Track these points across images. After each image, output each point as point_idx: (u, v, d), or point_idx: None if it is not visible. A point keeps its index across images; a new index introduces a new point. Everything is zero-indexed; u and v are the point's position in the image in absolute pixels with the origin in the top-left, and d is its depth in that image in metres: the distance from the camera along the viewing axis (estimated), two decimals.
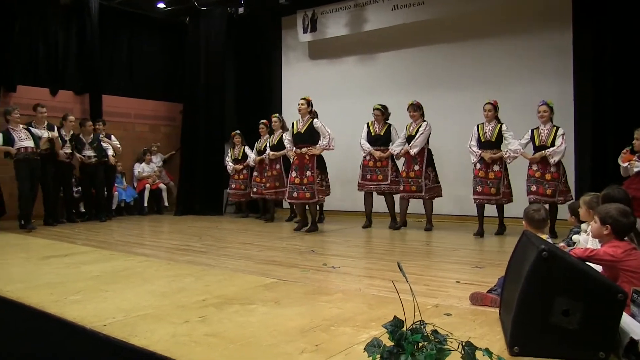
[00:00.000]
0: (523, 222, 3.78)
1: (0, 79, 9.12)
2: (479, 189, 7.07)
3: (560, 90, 8.20)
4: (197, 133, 10.82)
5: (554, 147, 6.63)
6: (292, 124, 7.97)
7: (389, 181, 8.00)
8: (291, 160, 8.09)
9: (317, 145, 7.65)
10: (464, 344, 2.05)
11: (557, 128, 6.76)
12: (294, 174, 7.70)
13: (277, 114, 9.38)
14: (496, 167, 7.03)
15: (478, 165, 7.14)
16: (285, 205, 9.79)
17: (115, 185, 10.29)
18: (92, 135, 9.45)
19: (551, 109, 6.81)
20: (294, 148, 7.81)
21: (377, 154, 8.00)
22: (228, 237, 7.19)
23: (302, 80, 11.27)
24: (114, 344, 2.77)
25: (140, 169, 10.99)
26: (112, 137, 9.90)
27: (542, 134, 6.82)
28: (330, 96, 10.65)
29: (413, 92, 8.94)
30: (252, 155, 9.71)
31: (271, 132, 9.34)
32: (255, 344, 2.69)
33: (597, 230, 3.04)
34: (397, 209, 8.17)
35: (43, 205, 8.76)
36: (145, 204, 10.95)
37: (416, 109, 7.75)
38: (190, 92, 11.10)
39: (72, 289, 4.02)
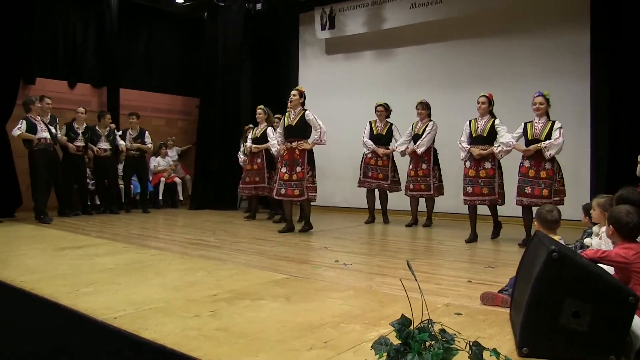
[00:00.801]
0: (535, 222, 3.76)
1: (19, 72, 9.18)
2: (470, 189, 6.57)
3: (577, 90, 8.16)
4: (213, 128, 10.86)
5: (551, 140, 6.00)
6: (284, 116, 7.51)
7: (389, 181, 8.17)
8: (279, 155, 7.57)
9: (309, 140, 7.27)
10: (471, 343, 2.05)
11: (554, 122, 6.15)
12: (283, 170, 7.21)
13: (262, 106, 8.88)
14: (487, 165, 6.53)
15: (468, 164, 6.65)
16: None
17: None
18: (108, 128, 9.54)
19: (547, 102, 6.19)
20: (285, 142, 7.36)
21: (381, 150, 8.14)
22: (241, 232, 7.22)
23: (318, 76, 11.29)
24: (124, 337, 2.79)
25: (156, 162, 11.05)
26: (146, 133, 10.10)
27: (535, 127, 6.19)
28: (346, 92, 10.69)
29: (429, 90, 8.94)
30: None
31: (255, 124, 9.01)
32: (265, 339, 2.71)
33: (609, 232, 3.02)
34: (396, 207, 8.62)
35: (56, 197, 8.85)
36: (160, 198, 11.02)
37: (425, 108, 7.80)
38: (207, 86, 11.14)
39: (85, 280, 4.06)
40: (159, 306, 3.32)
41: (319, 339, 2.69)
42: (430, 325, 2.04)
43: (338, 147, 10.67)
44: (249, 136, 8.84)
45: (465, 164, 6.69)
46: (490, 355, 2.01)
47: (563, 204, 5.96)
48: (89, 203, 9.79)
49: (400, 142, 7.94)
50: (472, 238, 6.52)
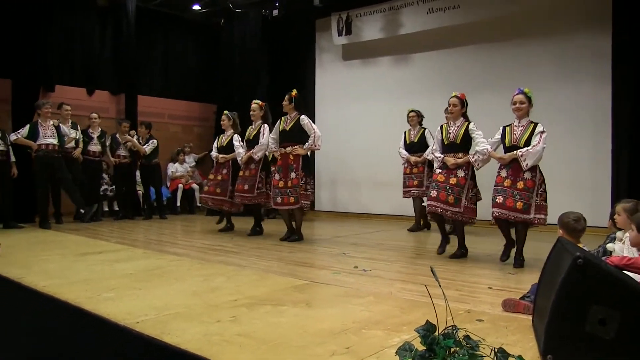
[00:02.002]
0: (559, 230, 3.71)
1: (39, 80, 9.31)
2: (434, 193, 5.63)
3: (597, 95, 8.11)
4: None
5: (528, 147, 5.12)
6: (279, 121, 7.19)
7: (423, 187, 7.96)
8: (274, 159, 7.43)
9: (305, 145, 6.89)
10: (496, 350, 2.04)
11: (536, 124, 5.24)
12: (277, 177, 6.94)
13: (227, 111, 8.21)
14: (460, 173, 5.61)
15: (439, 170, 5.79)
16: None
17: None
18: (136, 137, 9.67)
19: (529, 100, 5.32)
20: (278, 148, 7.10)
21: (413, 158, 8.02)
22: (259, 238, 7.22)
23: (335, 81, 11.32)
24: (146, 341, 2.80)
25: (174, 168, 11.13)
26: (152, 141, 10.03)
27: (514, 132, 5.30)
28: (363, 98, 10.70)
29: (447, 95, 8.87)
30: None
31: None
32: (286, 345, 2.71)
33: (635, 239, 2.99)
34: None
35: (71, 201, 8.92)
36: (178, 204, 11.08)
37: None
38: (224, 93, 11.21)
39: (106, 286, 4.09)
40: (180, 311, 3.33)
41: (341, 345, 2.68)
42: (455, 332, 2.03)
43: (354, 154, 10.70)
44: (214, 145, 8.22)
45: (435, 170, 5.97)
46: None
47: (545, 224, 5.21)
48: (106, 209, 9.91)
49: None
50: (443, 247, 5.99)
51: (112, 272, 4.74)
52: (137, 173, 10.13)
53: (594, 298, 2.35)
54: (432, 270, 2.26)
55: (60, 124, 8.52)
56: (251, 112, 7.72)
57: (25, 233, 7.59)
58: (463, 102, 5.85)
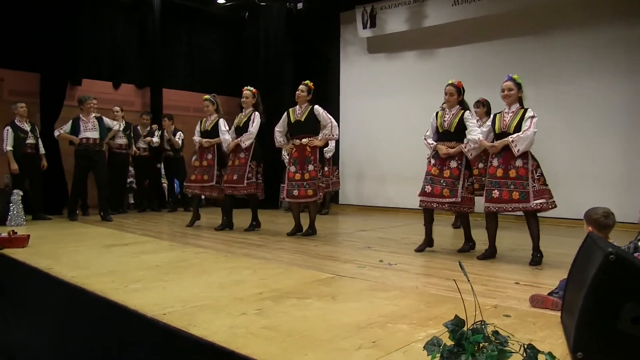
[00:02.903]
0: (586, 226, 3.64)
1: (66, 74, 9.43)
2: (428, 188, 5.57)
3: (628, 87, 7.97)
4: None
5: (519, 133, 5.00)
6: (287, 112, 7.01)
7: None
8: (286, 154, 7.35)
9: (319, 136, 6.77)
10: (525, 346, 2.01)
11: (526, 110, 5.15)
12: (292, 169, 6.76)
13: (207, 96, 7.95)
14: (453, 164, 5.54)
15: (432, 161, 5.73)
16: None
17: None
18: (148, 129, 9.73)
19: (519, 87, 5.23)
20: (292, 139, 6.95)
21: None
22: (284, 231, 7.22)
23: (360, 75, 11.29)
24: (173, 333, 2.82)
25: None
26: (179, 133, 10.15)
27: (504, 118, 5.21)
28: (389, 91, 10.65)
29: (474, 89, 8.78)
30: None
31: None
32: (312, 338, 2.70)
33: None
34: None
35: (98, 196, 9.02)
36: (203, 197, 11.11)
37: (480, 106, 7.57)
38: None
39: (133, 277, 4.13)
40: (206, 303, 3.35)
41: (367, 339, 2.67)
42: (483, 327, 2.01)
43: (380, 147, 10.67)
44: (197, 129, 7.91)
45: (429, 161, 5.86)
46: (546, 359, 1.97)
47: (555, 206, 5.09)
48: (131, 202, 10.02)
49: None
50: (421, 248, 5.78)
51: (138, 263, 4.79)
52: (162, 166, 10.22)
53: (626, 296, 2.30)
54: (460, 265, 2.23)
55: (103, 117, 8.60)
56: (243, 100, 7.55)
57: (53, 225, 7.71)
58: (460, 90, 5.77)
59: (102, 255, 5.21)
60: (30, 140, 8.14)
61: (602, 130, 8.20)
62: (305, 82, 6.98)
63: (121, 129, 9.15)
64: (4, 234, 5.46)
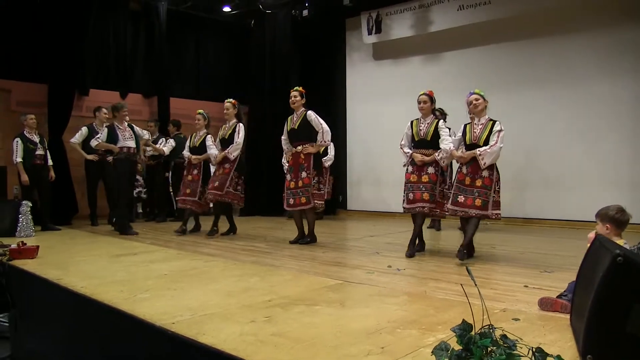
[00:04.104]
0: (601, 225, 3.61)
1: (74, 83, 9.48)
2: (411, 196, 5.80)
3: (637, 89, 7.92)
4: (262, 134, 10.97)
5: (486, 147, 5.27)
6: (286, 122, 7.01)
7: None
8: (286, 161, 7.35)
9: (317, 141, 6.73)
10: (534, 350, 2.01)
11: (494, 122, 5.39)
12: (288, 177, 6.81)
13: (201, 110, 8.11)
14: (431, 170, 5.79)
15: (409, 168, 5.95)
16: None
17: None
18: (155, 136, 9.77)
19: (483, 97, 5.46)
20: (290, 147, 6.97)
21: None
22: (292, 238, 7.22)
23: (366, 81, 11.32)
24: (182, 342, 2.83)
25: None
26: (170, 140, 10.05)
27: (474, 130, 5.46)
28: (395, 96, 10.65)
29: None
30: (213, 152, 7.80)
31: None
32: (321, 344, 2.70)
33: None
34: None
35: (108, 204, 9.09)
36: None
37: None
38: (256, 94, 11.29)
39: (142, 286, 4.14)
40: (215, 312, 3.35)
41: (376, 345, 2.67)
42: (491, 331, 2.00)
43: (386, 152, 10.65)
44: (187, 144, 8.13)
45: (407, 169, 6.00)
46: None
47: (500, 218, 5.47)
48: (140, 210, 10.06)
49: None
50: (411, 253, 5.75)
51: (147, 273, 4.79)
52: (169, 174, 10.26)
53: (635, 297, 2.29)
54: (467, 270, 2.23)
55: (133, 124, 8.38)
56: (225, 112, 7.69)
57: (62, 235, 7.74)
58: (432, 99, 6.00)
59: (111, 265, 5.22)
60: (39, 152, 8.18)
61: (612, 132, 8.18)
62: (296, 88, 6.99)
63: (150, 138, 9.19)
64: (14, 245, 5.48)
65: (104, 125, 8.36)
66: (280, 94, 10.91)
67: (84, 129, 8.92)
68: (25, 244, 5.57)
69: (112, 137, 7.90)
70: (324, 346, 2.67)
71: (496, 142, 5.27)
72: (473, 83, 9.25)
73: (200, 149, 7.80)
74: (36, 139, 8.21)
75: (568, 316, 3.04)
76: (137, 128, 8.47)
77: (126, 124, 8.10)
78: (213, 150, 7.60)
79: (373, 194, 11.22)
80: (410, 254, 5.72)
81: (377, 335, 2.83)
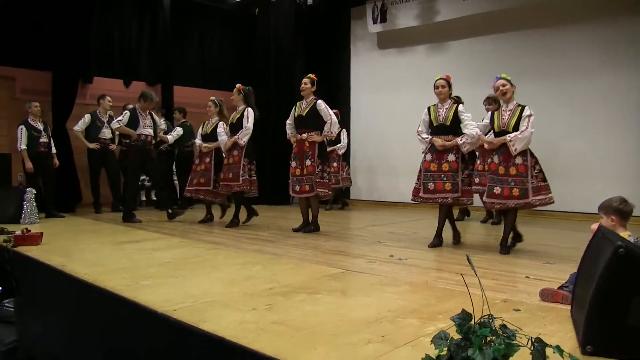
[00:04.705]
0: (606, 217, 3.60)
1: (78, 71, 9.48)
2: (431, 185, 5.65)
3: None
4: (267, 123, 10.94)
5: (516, 133, 5.13)
6: (294, 107, 7.02)
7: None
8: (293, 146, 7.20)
9: (323, 131, 6.78)
10: (533, 340, 2.01)
11: (523, 108, 5.23)
12: (293, 164, 6.82)
13: (213, 97, 7.98)
14: (451, 157, 5.60)
15: (429, 156, 5.75)
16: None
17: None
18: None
19: (510, 82, 5.32)
20: (294, 134, 6.96)
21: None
22: (295, 227, 7.24)
23: (370, 70, 11.30)
24: (184, 329, 2.84)
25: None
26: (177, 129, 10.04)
27: (503, 116, 5.30)
28: (400, 86, 10.64)
29: (484, 84, 8.76)
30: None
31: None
32: (322, 332, 2.71)
33: None
34: None
35: (111, 192, 9.19)
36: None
37: (492, 102, 7.50)
38: (260, 82, 11.25)
39: (144, 274, 4.16)
40: (217, 299, 3.36)
41: (376, 333, 2.68)
42: (491, 321, 2.01)
43: (391, 142, 10.67)
44: (199, 132, 8.03)
45: (425, 157, 5.84)
46: (554, 353, 1.97)
47: (553, 202, 5.19)
48: (143, 199, 10.08)
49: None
50: (436, 243, 5.73)
51: (150, 260, 4.81)
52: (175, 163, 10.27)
53: (636, 289, 2.29)
54: (468, 259, 2.23)
55: (153, 113, 8.30)
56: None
57: (66, 222, 7.77)
58: (449, 84, 5.83)
59: (114, 252, 5.24)
60: (43, 139, 8.21)
61: (614, 125, 8.16)
62: (309, 75, 6.99)
63: (166, 128, 9.16)
64: (18, 232, 5.52)
65: (107, 114, 8.37)
66: (285, 82, 10.93)
67: (87, 117, 8.95)
68: (30, 230, 5.58)
69: (133, 122, 7.84)
70: (325, 334, 2.69)
71: (527, 127, 5.10)
72: (478, 73, 9.29)
73: (212, 136, 7.71)
74: (40, 126, 8.24)
75: (569, 307, 3.04)
76: (156, 117, 8.43)
77: (147, 111, 8.05)
78: (223, 136, 7.51)
79: (377, 183, 11.22)
80: (431, 245, 5.69)
81: (377, 324, 2.84)
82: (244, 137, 7.23)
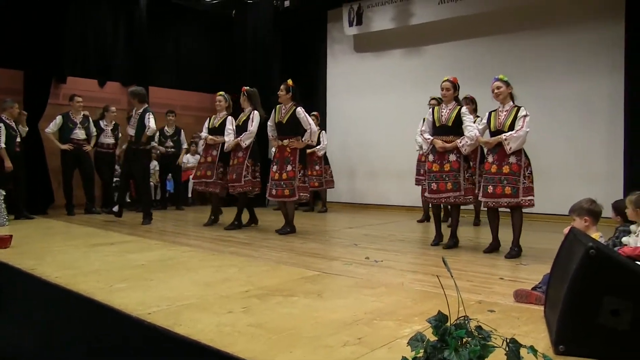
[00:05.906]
0: (579, 219, 3.66)
1: (51, 71, 9.34)
2: (434, 185, 5.76)
3: (610, 85, 8.05)
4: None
5: (512, 132, 5.17)
6: (274, 111, 7.07)
7: None
8: (273, 152, 7.33)
9: (304, 138, 6.85)
10: (508, 340, 2.03)
11: (519, 108, 5.29)
12: (274, 169, 6.89)
13: (222, 93, 7.99)
14: (452, 157, 5.70)
15: (431, 157, 5.87)
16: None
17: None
18: (113, 123, 9.63)
19: (507, 84, 5.39)
20: (276, 138, 7.03)
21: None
22: (271, 229, 7.23)
23: (347, 73, 11.32)
24: (159, 332, 2.82)
25: (186, 159, 11.12)
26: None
27: (499, 116, 5.36)
28: (376, 89, 10.69)
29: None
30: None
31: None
32: (298, 335, 2.71)
33: None
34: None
35: (85, 193, 9.11)
36: (190, 195, 11.11)
37: (469, 103, 7.57)
38: (237, 84, 11.19)
39: (118, 277, 4.11)
40: (192, 302, 3.34)
41: (353, 335, 2.68)
42: (466, 322, 2.02)
43: (370, 144, 10.71)
44: (206, 125, 7.97)
45: (428, 158, 5.98)
46: (528, 353, 1.99)
47: (533, 205, 5.31)
48: (114, 200, 9.99)
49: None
50: (436, 241, 5.96)
51: (124, 263, 4.77)
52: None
53: (606, 289, 2.34)
54: (444, 261, 2.25)
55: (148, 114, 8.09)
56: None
57: (37, 224, 7.64)
58: (455, 86, 5.94)
59: (87, 255, 5.16)
60: (19, 139, 8.07)
61: (586, 126, 8.28)
62: (287, 81, 7.03)
63: (154, 132, 9.04)
64: None
65: (136, 112, 8.10)
66: (262, 84, 10.86)
67: (59, 118, 8.78)
68: None
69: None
70: (301, 337, 2.69)
71: (522, 127, 5.15)
72: (454, 76, 9.32)
73: (220, 130, 7.64)
74: (14, 125, 8.10)
75: (542, 308, 3.08)
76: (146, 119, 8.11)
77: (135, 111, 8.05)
78: (231, 134, 7.46)
79: (356, 185, 11.24)
80: (433, 243, 5.90)
81: (354, 326, 2.85)
82: (246, 139, 7.26)
